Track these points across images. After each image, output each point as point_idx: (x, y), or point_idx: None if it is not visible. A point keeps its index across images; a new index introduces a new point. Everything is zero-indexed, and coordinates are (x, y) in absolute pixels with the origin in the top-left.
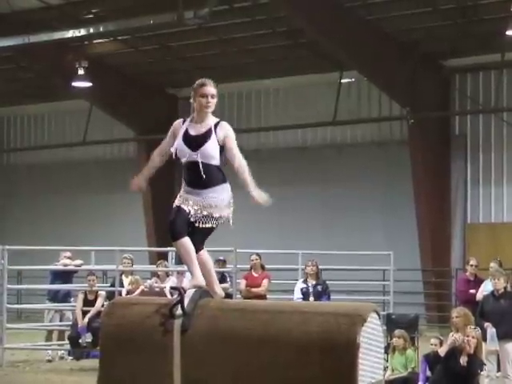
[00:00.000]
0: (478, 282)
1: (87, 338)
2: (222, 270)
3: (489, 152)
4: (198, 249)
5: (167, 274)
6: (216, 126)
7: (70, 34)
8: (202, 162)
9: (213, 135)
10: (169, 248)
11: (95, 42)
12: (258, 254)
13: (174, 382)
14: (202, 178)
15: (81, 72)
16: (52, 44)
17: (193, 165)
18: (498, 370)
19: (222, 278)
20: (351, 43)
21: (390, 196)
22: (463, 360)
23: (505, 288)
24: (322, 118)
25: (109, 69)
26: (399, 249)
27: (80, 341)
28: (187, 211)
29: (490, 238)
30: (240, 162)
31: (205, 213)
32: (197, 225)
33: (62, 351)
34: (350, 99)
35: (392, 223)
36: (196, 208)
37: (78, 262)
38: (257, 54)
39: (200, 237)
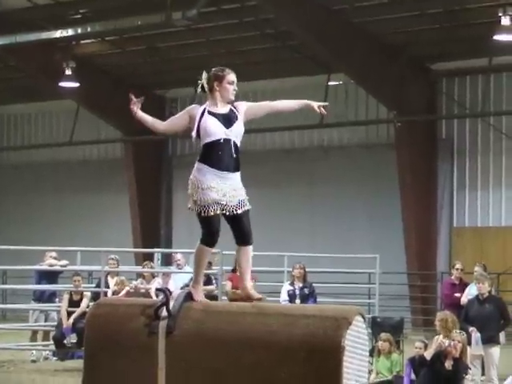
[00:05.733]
0: (463, 286)
1: (72, 338)
2: (207, 272)
3: (475, 156)
4: (248, 240)
5: (153, 275)
6: (235, 107)
7: (57, 34)
8: (234, 141)
9: (238, 115)
10: (155, 249)
11: (83, 42)
12: None
13: (159, 383)
14: (233, 158)
15: (68, 72)
16: (39, 44)
17: (226, 145)
18: (483, 374)
19: (208, 280)
20: (339, 46)
21: (376, 199)
22: (449, 364)
23: (489, 292)
24: (308, 120)
25: (96, 69)
26: (385, 252)
27: (65, 341)
28: (221, 206)
29: (475, 242)
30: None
31: (241, 198)
32: (239, 211)
33: (47, 352)
34: (338, 102)
35: (378, 226)
36: (232, 194)
37: (64, 262)
38: (244, 56)
39: (247, 222)
